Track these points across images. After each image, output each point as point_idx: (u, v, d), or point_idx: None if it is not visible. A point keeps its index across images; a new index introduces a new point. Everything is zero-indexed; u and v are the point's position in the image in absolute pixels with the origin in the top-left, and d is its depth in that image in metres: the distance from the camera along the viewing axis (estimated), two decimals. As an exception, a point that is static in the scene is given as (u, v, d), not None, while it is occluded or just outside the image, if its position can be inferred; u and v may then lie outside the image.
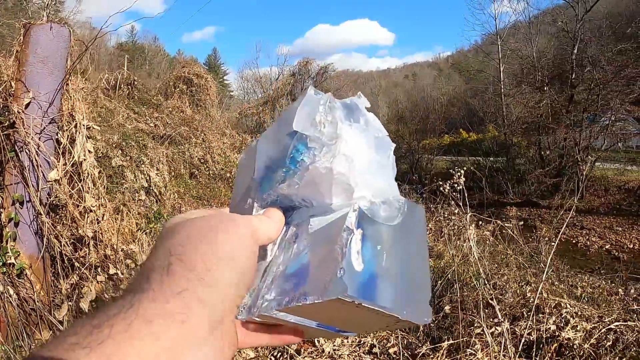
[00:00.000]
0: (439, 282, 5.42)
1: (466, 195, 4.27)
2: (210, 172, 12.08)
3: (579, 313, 4.21)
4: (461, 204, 4.30)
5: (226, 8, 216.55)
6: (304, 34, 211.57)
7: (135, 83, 14.66)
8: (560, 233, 4.66)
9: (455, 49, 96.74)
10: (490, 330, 3.85)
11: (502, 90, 30.22)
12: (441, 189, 4.36)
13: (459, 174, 4.20)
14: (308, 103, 0.68)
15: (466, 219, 4.14)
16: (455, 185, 4.22)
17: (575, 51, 23.92)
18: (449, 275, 5.34)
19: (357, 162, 0.64)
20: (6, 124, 3.39)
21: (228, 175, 12.12)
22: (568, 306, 4.25)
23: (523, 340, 3.84)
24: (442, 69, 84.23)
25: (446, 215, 9.88)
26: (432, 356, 3.93)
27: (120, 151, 8.30)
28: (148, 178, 8.08)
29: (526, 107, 26.01)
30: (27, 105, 3.41)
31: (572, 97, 23.51)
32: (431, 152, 30.33)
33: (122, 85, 13.79)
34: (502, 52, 32.14)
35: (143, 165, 8.40)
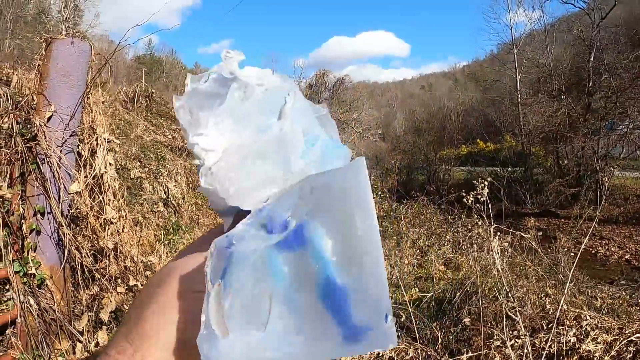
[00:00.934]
0: (458, 293, 5.39)
1: (490, 206, 4.25)
2: (228, 183, 11.95)
3: (599, 325, 4.16)
4: (484, 215, 4.27)
5: (242, 21, 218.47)
6: (319, 45, 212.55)
7: (153, 95, 14.79)
8: (583, 245, 4.61)
9: (471, 59, 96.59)
10: (511, 343, 3.82)
11: (519, 100, 30.04)
12: (464, 199, 4.33)
13: (482, 185, 4.18)
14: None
15: (490, 231, 4.11)
16: (479, 196, 4.19)
17: (592, 59, 23.71)
18: (468, 287, 5.31)
19: (228, 158, 0.58)
20: (28, 137, 3.45)
21: (247, 185, 12.13)
22: (588, 318, 4.21)
23: (544, 353, 3.81)
24: (458, 79, 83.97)
25: (465, 227, 9.84)
26: (451, 368, 3.91)
27: (138, 163, 8.37)
28: (166, 190, 8.14)
29: (543, 116, 25.75)
30: (49, 118, 3.46)
31: (589, 105, 23.27)
32: (448, 163, 30.11)
33: (140, 98, 13.91)
34: (518, 61, 31.97)
35: (161, 177, 8.47)
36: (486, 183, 4.18)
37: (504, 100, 35.16)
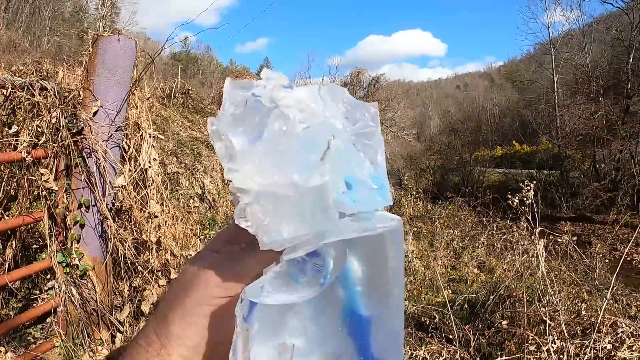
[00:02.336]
0: (491, 297, 5.35)
1: (535, 209, 4.21)
2: (262, 180, 12.00)
3: (635, 333, 4.10)
4: (529, 218, 4.24)
5: (279, 20, 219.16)
6: (355, 44, 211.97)
7: (190, 92, 14.94)
8: (625, 253, 4.55)
9: (507, 59, 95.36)
10: (546, 348, 3.79)
11: (556, 101, 29.54)
12: (509, 201, 4.30)
13: (528, 187, 4.15)
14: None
15: (535, 234, 4.08)
16: (524, 198, 4.16)
17: (631, 60, 23.20)
18: (502, 291, 5.27)
19: (262, 202, 0.55)
20: (74, 131, 3.53)
21: (281, 183, 12.18)
22: (624, 325, 4.15)
23: (579, 360, 3.77)
24: (494, 79, 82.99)
25: (500, 230, 9.75)
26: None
27: (175, 158, 8.48)
28: (202, 185, 8.23)
29: (580, 119, 25.29)
30: (95, 113, 3.55)
31: (627, 108, 22.79)
32: (483, 164, 29.75)
33: (176, 94, 14.06)
34: (555, 62, 31.43)
35: (197, 173, 8.57)
36: (532, 185, 4.15)
37: (541, 101, 34.58)
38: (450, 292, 7.14)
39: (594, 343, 3.87)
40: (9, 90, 3.34)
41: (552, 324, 3.94)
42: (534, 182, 4.31)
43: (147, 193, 3.82)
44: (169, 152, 8.58)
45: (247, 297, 0.51)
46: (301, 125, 0.57)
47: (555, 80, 30.60)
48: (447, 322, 5.11)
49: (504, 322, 4.49)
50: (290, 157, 0.55)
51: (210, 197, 8.30)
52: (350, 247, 0.55)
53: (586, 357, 3.79)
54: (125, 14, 42.80)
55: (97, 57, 3.61)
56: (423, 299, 6.80)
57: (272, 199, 0.55)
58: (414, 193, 12.32)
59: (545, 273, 3.95)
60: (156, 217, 3.83)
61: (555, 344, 3.83)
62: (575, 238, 8.08)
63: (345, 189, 0.57)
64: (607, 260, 7.23)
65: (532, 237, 5.18)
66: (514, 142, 36.80)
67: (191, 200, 7.54)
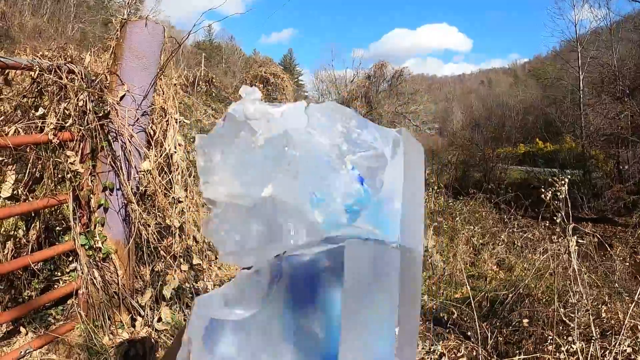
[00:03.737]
0: (510, 295, 5.31)
1: (569, 204, 4.15)
2: (284, 170, 12.00)
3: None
4: (563, 213, 4.17)
5: (304, 10, 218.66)
6: (380, 37, 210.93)
7: (213, 80, 14.99)
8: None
9: (532, 56, 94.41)
10: (565, 348, 3.76)
11: (581, 100, 29.15)
12: (542, 196, 4.24)
13: (562, 182, 4.09)
14: None
15: (568, 231, 4.02)
16: (558, 193, 4.11)
17: (658, 59, 22.86)
18: (521, 289, 5.23)
19: (227, 214, 0.57)
20: (101, 114, 3.55)
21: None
22: (644, 329, 4.10)
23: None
24: (519, 75, 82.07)
25: (521, 228, 9.67)
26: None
27: (197, 146, 8.50)
28: (224, 173, 8.26)
29: (606, 119, 24.96)
30: (122, 97, 3.56)
31: (655, 109, 22.49)
32: (505, 161, 29.43)
33: (200, 82, 14.11)
34: (581, 60, 30.98)
35: (219, 161, 8.58)
36: (566, 180, 4.09)
37: (565, 99, 34.12)
38: (469, 288, 7.10)
39: (613, 346, 3.82)
40: (37, 72, 3.36)
41: (572, 325, 3.89)
42: (568, 177, 4.24)
43: (172, 178, 3.83)
44: (191, 140, 8.61)
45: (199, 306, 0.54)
46: (261, 137, 0.58)
47: (581, 78, 30.15)
48: (465, 319, 5.09)
49: (525, 321, 4.44)
50: (253, 169, 0.57)
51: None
52: (286, 265, 0.55)
53: (605, 359, 3.75)
54: (149, 1, 42.95)
55: (124, 41, 3.62)
56: (441, 294, 6.77)
57: (232, 210, 0.56)
58: (435, 188, 12.24)
59: (577, 269, 3.89)
60: (180, 202, 3.84)
61: (575, 344, 3.79)
62: (596, 240, 8.00)
63: (308, 206, 0.56)
64: (627, 264, 7.14)
65: (555, 235, 5.12)
66: (537, 139, 36.36)
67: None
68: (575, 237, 4.26)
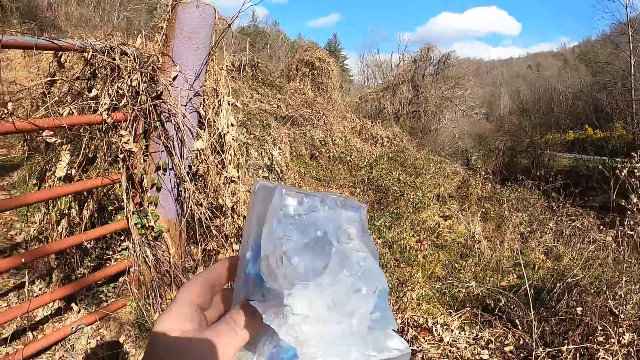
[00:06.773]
0: (558, 285, 5.22)
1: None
2: (331, 154, 12.14)
3: None
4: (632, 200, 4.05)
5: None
6: (427, 20, 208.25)
7: (259, 65, 15.04)
8: None
9: (582, 39, 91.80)
10: (616, 339, 3.67)
11: (632, 85, 28.25)
12: (619, 172, 4.11)
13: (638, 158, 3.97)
14: (270, 218, 0.56)
15: (624, 220, 3.91)
16: (635, 169, 3.99)
17: None
18: (569, 279, 5.13)
19: (311, 342, 0.54)
20: (154, 95, 3.58)
21: (348, 158, 12.17)
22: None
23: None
24: (568, 60, 79.92)
25: (570, 216, 9.46)
26: (548, 360, 3.80)
27: (245, 129, 8.56)
28: (270, 156, 8.30)
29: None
30: (174, 78, 3.59)
31: None
32: (554, 148, 28.68)
33: (246, 67, 14.16)
34: (633, 44, 29.97)
35: (266, 144, 8.64)
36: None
37: (616, 84, 33.13)
38: (515, 276, 7.01)
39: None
40: (90, 54, 3.41)
41: (622, 317, 3.80)
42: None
43: (225, 158, 3.86)
44: (238, 123, 8.67)
45: None
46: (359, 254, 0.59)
47: (632, 62, 29.22)
48: (512, 307, 5.02)
49: (579, 309, 4.35)
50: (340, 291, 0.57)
51: (279, 168, 8.37)
52: None
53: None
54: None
55: (176, 22, 3.63)
56: (488, 281, 6.70)
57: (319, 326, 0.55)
58: (483, 173, 12.06)
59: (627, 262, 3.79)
60: (233, 181, 3.87)
61: (625, 336, 3.70)
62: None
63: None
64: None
65: (605, 226, 4.99)
66: (586, 126, 35.43)
67: (260, 171, 7.62)
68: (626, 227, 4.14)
